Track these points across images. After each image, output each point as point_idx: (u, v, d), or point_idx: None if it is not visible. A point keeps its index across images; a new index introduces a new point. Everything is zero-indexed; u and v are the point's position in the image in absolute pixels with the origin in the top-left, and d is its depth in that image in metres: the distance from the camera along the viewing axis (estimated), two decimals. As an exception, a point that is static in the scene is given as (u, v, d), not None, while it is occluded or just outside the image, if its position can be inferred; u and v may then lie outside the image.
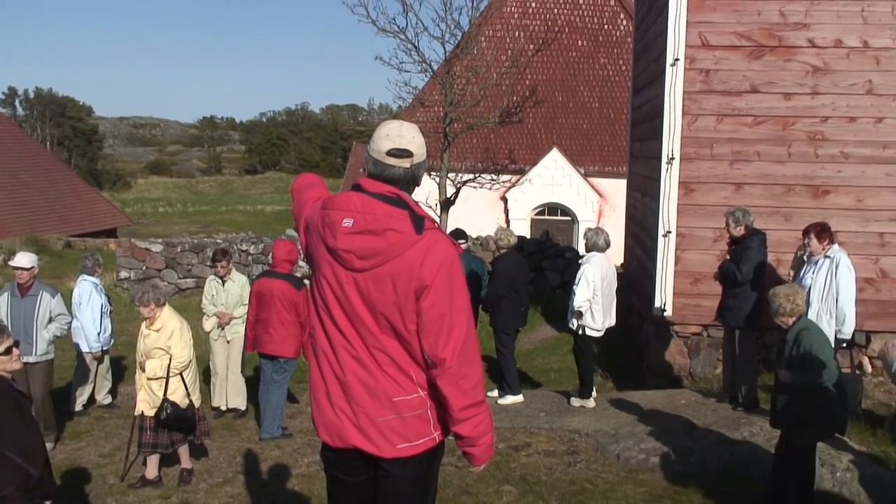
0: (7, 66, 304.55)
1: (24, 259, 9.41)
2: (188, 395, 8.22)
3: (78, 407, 10.66)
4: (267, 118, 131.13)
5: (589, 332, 9.70)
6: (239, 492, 8.02)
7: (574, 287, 9.58)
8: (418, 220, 3.61)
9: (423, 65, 23.90)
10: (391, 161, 3.71)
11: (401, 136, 3.72)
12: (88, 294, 10.53)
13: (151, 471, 8.26)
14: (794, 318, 6.63)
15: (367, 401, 3.68)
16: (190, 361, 8.23)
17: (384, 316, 3.62)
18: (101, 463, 8.91)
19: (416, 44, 23.47)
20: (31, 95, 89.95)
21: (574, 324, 9.72)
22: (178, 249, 19.83)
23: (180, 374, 8.14)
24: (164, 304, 8.22)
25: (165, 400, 8.02)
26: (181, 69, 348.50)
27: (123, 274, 19.69)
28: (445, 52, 24.01)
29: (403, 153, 3.71)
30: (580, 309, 9.52)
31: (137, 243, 20.22)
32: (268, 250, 18.93)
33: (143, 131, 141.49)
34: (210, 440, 9.56)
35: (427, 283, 3.55)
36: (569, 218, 33.20)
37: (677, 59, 10.82)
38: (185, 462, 8.43)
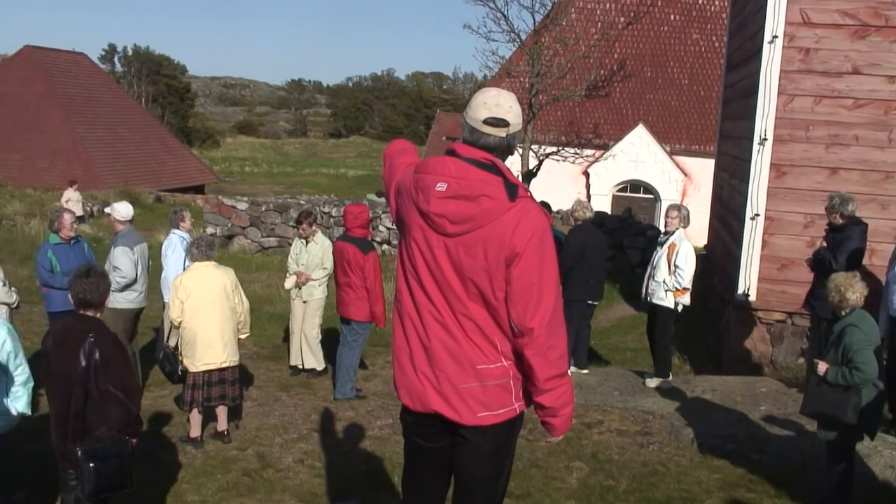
0: (108, 23, 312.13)
1: (125, 211, 9.73)
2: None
3: (159, 355, 10.90)
4: (353, 83, 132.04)
5: (679, 308, 9.57)
6: (312, 448, 8.15)
7: (676, 262, 9.32)
8: (512, 187, 3.59)
9: (512, 34, 23.80)
10: (487, 129, 3.68)
11: (498, 105, 3.69)
12: (174, 247, 10.74)
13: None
14: (845, 311, 6.40)
15: (450, 367, 3.68)
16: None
17: (473, 282, 3.60)
18: (183, 411, 9.13)
19: (506, 13, 23.41)
20: (130, 53, 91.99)
21: (669, 300, 9.51)
22: (263, 208, 20.16)
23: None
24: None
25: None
26: (272, 32, 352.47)
27: (210, 230, 20.10)
28: (535, 23, 23.83)
29: (500, 122, 3.68)
30: (688, 286, 9.38)
31: (224, 201, 20.63)
32: (350, 214, 19.13)
33: (233, 91, 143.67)
34: (287, 397, 9.77)
35: (518, 252, 3.53)
36: (651, 196, 32.74)
37: (776, 37, 10.51)
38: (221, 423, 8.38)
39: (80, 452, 5.07)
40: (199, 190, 42.07)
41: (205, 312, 7.89)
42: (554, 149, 25.78)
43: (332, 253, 9.67)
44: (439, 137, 44.09)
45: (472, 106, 3.74)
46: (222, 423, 8.30)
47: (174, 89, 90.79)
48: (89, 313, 5.27)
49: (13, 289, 8.92)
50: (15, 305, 8.94)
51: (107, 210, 10.35)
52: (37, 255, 9.51)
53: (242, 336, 8.36)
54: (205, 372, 7.99)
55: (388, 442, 8.34)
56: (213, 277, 7.96)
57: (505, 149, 3.75)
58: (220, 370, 8.04)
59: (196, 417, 8.19)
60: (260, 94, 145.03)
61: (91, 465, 5.04)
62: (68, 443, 5.16)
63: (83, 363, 5.03)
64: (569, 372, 3.93)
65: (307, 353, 10.60)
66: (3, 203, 25.98)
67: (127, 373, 5.26)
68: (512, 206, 3.56)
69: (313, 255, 10.59)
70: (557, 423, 3.82)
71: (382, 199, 24.52)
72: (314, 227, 10.71)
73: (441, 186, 3.60)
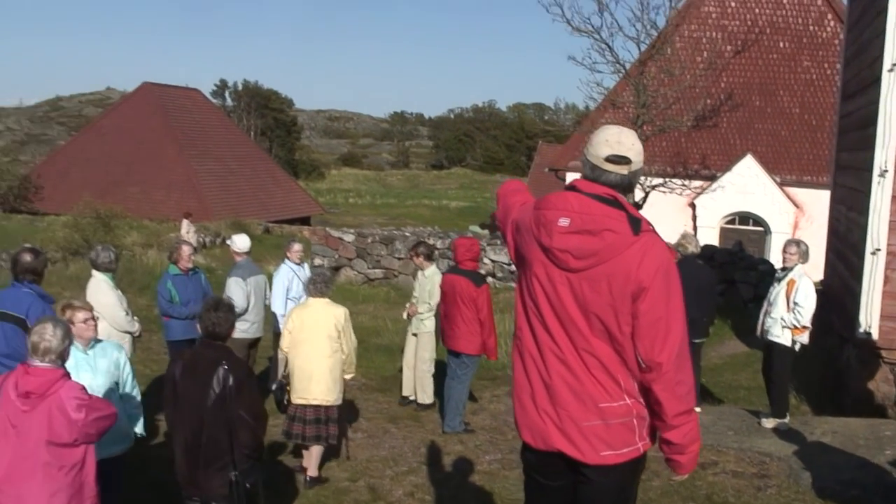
0: (220, 60, 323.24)
1: (241, 243, 10.08)
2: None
3: (273, 385, 11.10)
4: (455, 115, 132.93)
5: (797, 346, 9.29)
6: (422, 482, 8.18)
7: (795, 299, 9.05)
8: (635, 221, 3.58)
9: (617, 65, 23.66)
10: (609, 167, 3.69)
11: (620, 143, 3.70)
12: (279, 277, 10.99)
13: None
14: None
15: (572, 404, 3.67)
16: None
17: (598, 317, 3.59)
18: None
19: (611, 44, 23.32)
20: (240, 87, 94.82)
21: (787, 338, 9.24)
22: (369, 240, 20.45)
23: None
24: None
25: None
26: (376, 66, 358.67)
27: (317, 261, 20.47)
28: (640, 52, 23.67)
29: (622, 160, 3.68)
30: (807, 324, 9.10)
31: (332, 232, 21.02)
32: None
33: (337, 124, 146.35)
34: (396, 429, 9.84)
35: (645, 286, 3.52)
36: (761, 228, 31.94)
37: (895, 65, 10.20)
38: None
39: (234, 476, 5.24)
40: (305, 221, 42.96)
41: (307, 347, 7.97)
42: (660, 180, 25.45)
43: (441, 286, 9.71)
44: (541, 169, 43.96)
45: (594, 143, 3.74)
46: (312, 465, 8.14)
47: (281, 122, 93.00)
48: (218, 343, 5.44)
49: (135, 318, 9.23)
50: (137, 335, 9.24)
51: (227, 242, 10.73)
52: (157, 286, 9.84)
53: (347, 376, 8.34)
54: (303, 406, 8.02)
55: (497, 477, 8.32)
56: (322, 314, 8.03)
57: (626, 186, 3.75)
58: (317, 408, 7.98)
59: (307, 452, 8.28)
60: (364, 126, 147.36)
61: (247, 485, 5.23)
62: (199, 468, 5.31)
63: (217, 390, 5.20)
64: (696, 409, 3.86)
65: (417, 385, 10.66)
66: (122, 234, 26.97)
67: (257, 399, 5.43)
68: (636, 240, 3.55)
69: (422, 287, 10.68)
70: (684, 461, 3.78)
71: (486, 232, 24.62)
72: (421, 259, 10.79)
73: (564, 221, 3.61)
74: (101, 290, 8.87)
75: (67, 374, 4.74)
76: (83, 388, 4.77)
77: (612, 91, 26.17)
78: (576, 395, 3.67)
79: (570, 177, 31.79)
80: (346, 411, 10.01)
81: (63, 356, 4.73)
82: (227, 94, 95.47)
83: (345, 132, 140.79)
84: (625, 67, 23.76)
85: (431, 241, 19.92)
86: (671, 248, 3.75)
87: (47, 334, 4.65)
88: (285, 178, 48.38)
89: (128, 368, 6.10)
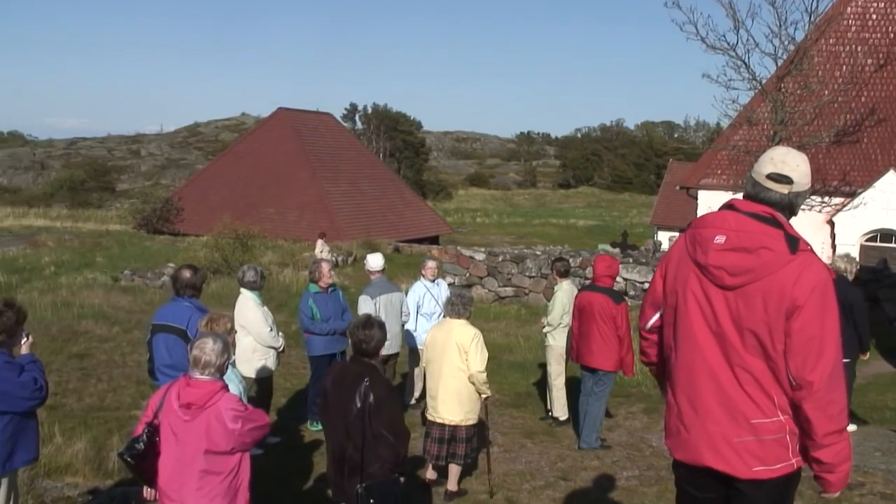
0: (350, 85, 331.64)
1: (373, 262, 10.39)
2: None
3: (411, 400, 11.29)
4: (582, 134, 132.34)
5: None
6: (560, 496, 8.21)
7: None
8: (793, 240, 3.58)
9: (753, 82, 23.15)
10: (770, 185, 3.71)
11: (784, 162, 3.72)
12: (413, 294, 11.21)
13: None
14: None
15: (723, 421, 3.68)
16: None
17: (753, 334, 3.60)
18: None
19: (747, 60, 22.80)
20: (369, 111, 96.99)
21: None
22: (500, 259, 20.57)
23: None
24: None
25: None
26: (502, 87, 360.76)
27: (448, 280, 20.68)
28: (777, 68, 23.11)
29: (783, 178, 3.69)
30: None
31: (462, 251, 21.20)
32: (585, 263, 19.14)
33: (464, 145, 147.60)
34: (532, 444, 9.89)
35: (799, 304, 3.51)
36: (905, 246, 30.58)
37: None
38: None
39: (360, 490, 5.38)
40: (434, 241, 43.45)
41: (434, 366, 8.02)
42: (798, 197, 24.76)
43: (578, 303, 9.70)
44: (672, 187, 43.29)
45: (760, 161, 3.79)
46: (451, 480, 8.19)
47: (410, 144, 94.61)
48: (365, 359, 5.62)
49: (280, 334, 9.57)
50: (281, 350, 9.57)
51: (363, 262, 11.04)
52: (299, 304, 10.15)
53: (483, 396, 8.11)
54: (431, 423, 8.07)
55: (635, 493, 8.28)
56: (454, 334, 7.95)
57: (786, 206, 3.74)
58: (442, 426, 7.98)
59: (430, 465, 8.38)
60: (490, 147, 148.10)
61: (371, 501, 5.35)
62: (344, 477, 5.50)
63: (358, 405, 5.37)
64: (850, 428, 3.80)
65: (552, 400, 10.68)
66: (259, 254, 27.91)
67: (397, 416, 5.56)
68: (793, 258, 3.54)
69: (556, 302, 10.67)
70: (834, 480, 3.71)
71: (616, 250, 24.46)
72: (554, 274, 10.87)
73: (720, 239, 3.65)
74: (248, 307, 9.27)
75: (225, 387, 4.99)
76: (239, 399, 5.02)
77: (747, 107, 25.59)
78: (727, 412, 3.68)
79: (703, 195, 31.25)
80: (482, 426, 10.14)
81: (221, 370, 4.98)
82: (356, 118, 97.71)
83: (472, 153, 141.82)
84: (761, 84, 23.20)
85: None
86: (830, 270, 3.71)
87: (207, 349, 4.91)
88: (414, 199, 49.08)
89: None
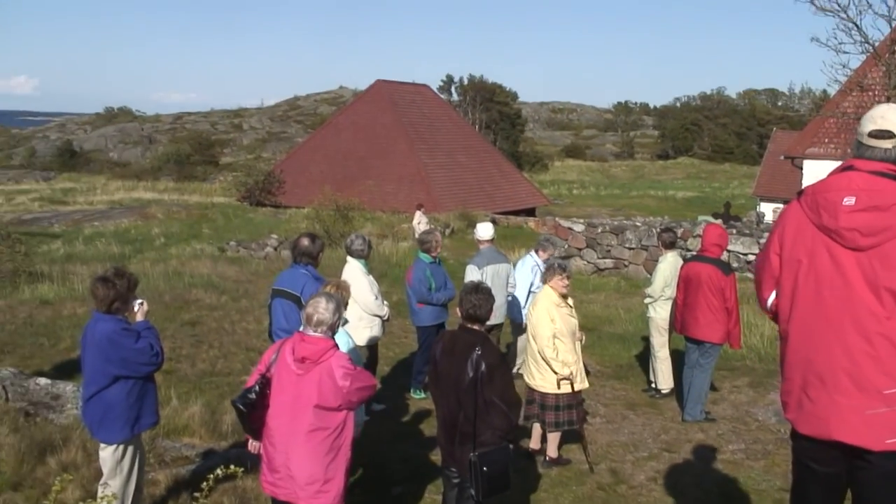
0: (447, 56, 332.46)
1: (482, 231, 10.53)
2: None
3: (513, 369, 11.35)
4: (681, 103, 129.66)
5: None
6: (664, 468, 8.20)
7: None
8: None
9: (865, 45, 22.34)
10: (871, 142, 3.67)
11: (884, 118, 3.67)
12: (524, 270, 11.18)
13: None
14: None
15: (853, 392, 3.62)
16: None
17: (891, 293, 3.53)
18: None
19: (858, 23, 22.00)
20: (465, 82, 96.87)
21: None
22: (599, 230, 20.43)
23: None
24: None
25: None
26: (599, 57, 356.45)
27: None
28: (891, 30, 22.26)
29: (884, 134, 3.64)
30: None
31: (561, 222, 21.13)
32: (686, 235, 18.88)
33: (561, 116, 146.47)
34: (635, 415, 9.88)
35: None
36: None
37: None
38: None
39: (474, 457, 5.49)
40: (530, 212, 43.31)
41: (528, 331, 8.22)
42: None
43: (684, 274, 9.60)
44: (776, 157, 42.17)
45: (861, 121, 3.75)
46: (551, 449, 8.27)
47: (506, 115, 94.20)
48: (476, 327, 5.70)
49: (385, 303, 9.74)
50: (386, 318, 9.74)
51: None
52: (409, 274, 10.26)
53: (560, 369, 7.87)
54: (528, 388, 8.14)
55: (741, 467, 8.22)
56: (534, 303, 8.18)
57: (892, 161, 3.68)
58: (532, 391, 8.10)
59: (536, 432, 8.49)
60: (587, 117, 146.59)
61: (484, 468, 5.45)
62: (455, 444, 5.61)
63: (470, 373, 5.46)
64: None
65: (656, 372, 10.63)
66: (359, 225, 28.30)
67: (509, 385, 5.63)
68: None
69: (657, 273, 10.57)
70: None
71: (719, 221, 23.96)
72: (659, 244, 10.77)
73: (849, 200, 3.59)
74: (355, 275, 9.44)
75: (336, 346, 5.14)
76: (350, 358, 5.17)
77: (858, 72, 24.73)
78: (856, 383, 3.61)
79: (808, 164, 30.38)
80: (584, 397, 10.17)
81: (333, 328, 5.14)
82: (453, 89, 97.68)
83: (568, 124, 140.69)
84: (873, 47, 22.37)
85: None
86: None
87: (321, 307, 5.08)
88: (511, 170, 48.96)
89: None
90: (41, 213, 38.56)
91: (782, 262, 3.88)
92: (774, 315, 4.02)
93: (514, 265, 11.27)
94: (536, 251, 11.21)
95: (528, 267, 11.07)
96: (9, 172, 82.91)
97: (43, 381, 8.92)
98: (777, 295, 3.93)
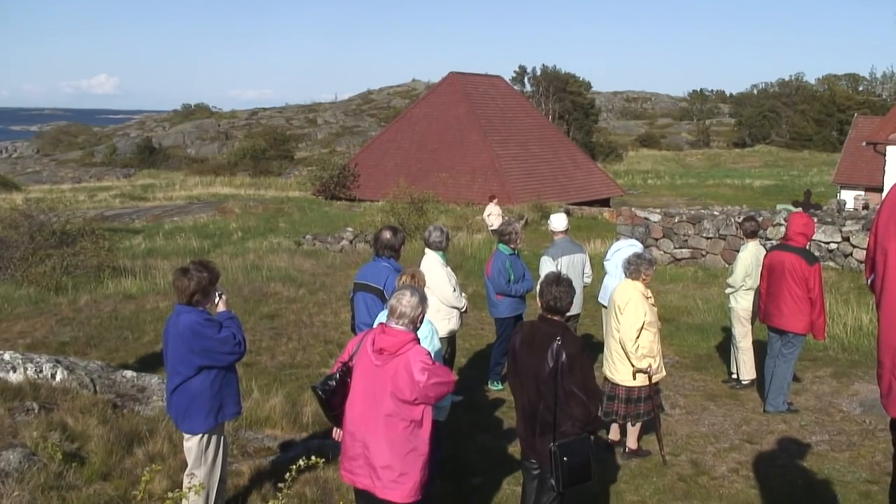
0: (520, 47, 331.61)
1: (556, 222, 10.40)
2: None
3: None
4: (758, 90, 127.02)
5: None
6: (746, 459, 8.09)
7: None
8: None
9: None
10: None
11: None
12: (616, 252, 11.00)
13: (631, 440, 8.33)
14: None
15: None
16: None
17: None
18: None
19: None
20: (538, 73, 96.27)
21: None
22: (676, 220, 20.14)
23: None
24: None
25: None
26: (673, 44, 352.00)
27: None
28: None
29: None
30: None
31: (637, 212, 20.88)
32: (766, 224, 18.52)
33: (634, 105, 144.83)
34: (715, 406, 9.74)
35: None
36: None
37: None
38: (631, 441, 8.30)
39: (554, 448, 5.48)
40: (604, 203, 42.95)
41: (605, 325, 8.15)
42: None
43: (767, 263, 9.41)
44: (857, 143, 41.06)
45: None
46: (631, 440, 8.24)
47: (579, 105, 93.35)
48: (556, 318, 5.68)
49: (463, 294, 9.75)
50: (464, 310, 9.75)
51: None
52: (490, 266, 10.26)
53: (640, 363, 7.81)
54: (607, 381, 8.07)
55: (825, 459, 8.06)
56: (616, 295, 8.04)
57: None
58: (620, 387, 7.99)
59: (614, 425, 8.44)
60: (661, 106, 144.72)
61: (564, 458, 5.44)
62: (535, 435, 5.61)
63: (551, 364, 5.45)
64: None
65: (737, 362, 10.46)
66: (433, 217, 28.35)
67: (589, 375, 5.60)
68: None
69: (738, 263, 10.39)
70: None
71: (798, 209, 23.45)
72: (740, 233, 10.57)
73: None
74: (433, 267, 9.46)
75: (417, 340, 5.17)
76: (429, 353, 5.18)
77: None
78: None
79: (892, 150, 29.54)
80: (663, 388, 10.06)
81: (415, 322, 5.16)
82: (525, 80, 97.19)
83: (642, 113, 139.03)
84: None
85: (741, 220, 19.34)
86: None
87: (404, 300, 5.12)
88: (585, 161, 48.57)
89: (428, 343, 6.29)
90: (122, 209, 39.55)
91: (877, 245, 3.80)
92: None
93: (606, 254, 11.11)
94: (634, 235, 11.07)
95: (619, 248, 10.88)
96: (91, 170, 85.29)
97: (129, 373, 9.17)
98: (873, 278, 3.86)
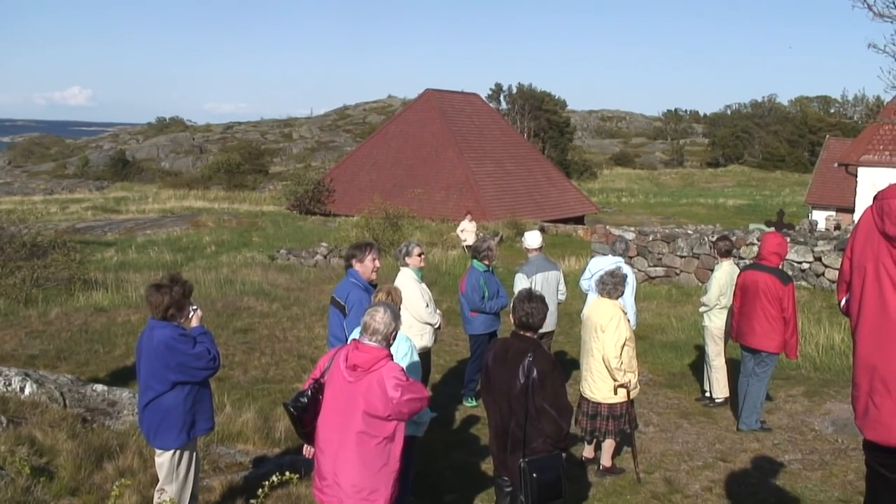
0: (497, 66, 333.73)
1: (529, 239, 10.40)
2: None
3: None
4: (731, 111, 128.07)
5: None
6: (719, 477, 8.10)
7: None
8: None
9: (923, 50, 21.88)
10: None
11: None
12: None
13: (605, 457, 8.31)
14: None
15: None
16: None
17: None
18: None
19: (916, 28, 21.56)
20: (514, 91, 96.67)
21: None
22: (650, 238, 20.25)
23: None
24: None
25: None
26: (648, 65, 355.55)
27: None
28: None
29: None
30: None
31: (612, 230, 20.98)
32: (739, 243, 18.64)
33: (609, 124, 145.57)
34: (689, 424, 9.76)
35: None
36: None
37: None
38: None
39: (523, 464, 5.46)
40: (579, 220, 43.14)
41: (584, 342, 8.16)
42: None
43: (741, 282, 9.46)
44: (829, 164, 41.56)
45: None
46: (605, 458, 8.22)
47: (554, 124, 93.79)
48: (528, 334, 5.67)
49: (438, 311, 9.72)
50: (437, 326, 9.71)
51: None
52: (463, 282, 10.24)
53: (621, 378, 7.82)
54: (584, 399, 8.10)
55: (798, 477, 8.08)
56: (594, 313, 8.03)
57: None
58: (587, 401, 8.05)
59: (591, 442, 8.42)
60: (636, 125, 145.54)
61: (534, 475, 5.42)
62: (507, 452, 5.59)
63: (522, 380, 5.44)
64: None
65: (710, 380, 10.50)
66: (408, 233, 28.35)
67: (561, 392, 5.59)
68: None
69: (713, 282, 10.45)
70: None
71: (771, 230, 23.64)
72: (714, 254, 10.66)
73: None
74: (406, 283, 9.44)
75: (391, 356, 5.14)
76: (403, 370, 5.15)
77: (913, 78, 24.27)
78: None
79: (863, 172, 29.87)
80: (637, 406, 10.07)
81: (388, 338, 5.13)
82: (501, 98, 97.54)
83: (617, 132, 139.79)
84: (931, 53, 21.94)
85: (714, 239, 19.45)
86: None
87: (378, 317, 5.08)
88: (559, 178, 48.79)
89: (408, 359, 6.34)
90: (95, 221, 39.24)
91: (852, 267, 3.82)
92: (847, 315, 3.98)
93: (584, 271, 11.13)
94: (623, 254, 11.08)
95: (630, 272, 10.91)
96: (63, 182, 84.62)
97: (100, 387, 9.06)
98: (848, 299, 3.87)
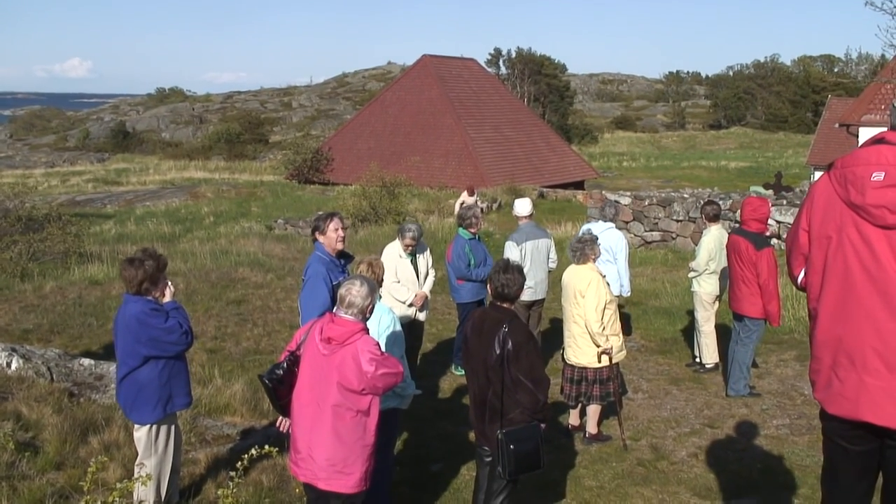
0: (495, 30, 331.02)
1: (519, 207, 10.33)
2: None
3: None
4: (734, 72, 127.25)
5: None
6: (706, 443, 8.12)
7: None
8: None
9: (921, 8, 21.65)
10: None
11: None
12: (619, 242, 10.91)
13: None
14: None
15: (882, 372, 3.52)
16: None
17: None
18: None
19: (915, -15, 21.31)
20: (513, 55, 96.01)
21: None
22: (646, 203, 20.19)
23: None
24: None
25: None
26: (649, 26, 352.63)
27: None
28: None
29: None
30: None
31: (608, 195, 20.92)
32: (735, 206, 18.58)
33: (610, 87, 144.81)
34: (678, 391, 9.77)
35: None
36: None
37: None
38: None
39: (500, 435, 5.46)
40: (579, 185, 43.00)
41: (565, 310, 8.16)
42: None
43: (728, 247, 9.43)
44: (831, 124, 41.29)
45: None
46: (590, 424, 8.26)
47: (554, 88, 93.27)
48: (505, 305, 5.66)
49: (427, 288, 9.65)
50: (407, 303, 9.58)
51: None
52: (449, 250, 10.22)
53: (604, 343, 7.85)
54: (568, 365, 8.16)
55: (785, 442, 8.10)
56: (573, 279, 8.04)
57: None
58: (572, 367, 8.10)
59: (574, 411, 8.47)
60: (637, 88, 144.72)
61: (511, 446, 5.43)
62: (485, 422, 5.59)
63: (497, 351, 5.43)
64: None
65: (699, 346, 10.49)
66: (406, 201, 28.30)
67: (536, 364, 5.58)
68: None
69: (702, 247, 10.41)
70: None
71: (769, 192, 23.53)
72: (703, 219, 10.63)
73: (878, 176, 3.45)
74: (387, 257, 9.39)
75: (366, 329, 5.12)
76: (378, 344, 5.14)
77: (913, 37, 24.03)
78: (886, 363, 3.51)
79: (864, 132, 29.68)
80: (627, 372, 10.10)
81: (364, 312, 5.10)
82: (500, 63, 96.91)
83: (618, 95, 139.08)
84: (930, 9, 21.71)
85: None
86: None
87: (354, 290, 5.06)
88: (559, 143, 48.57)
89: (389, 330, 6.32)
90: (95, 194, 39.20)
91: (811, 239, 3.75)
92: (804, 290, 3.92)
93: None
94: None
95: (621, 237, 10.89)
96: (64, 154, 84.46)
97: (87, 361, 9.08)
98: (807, 272, 3.82)
